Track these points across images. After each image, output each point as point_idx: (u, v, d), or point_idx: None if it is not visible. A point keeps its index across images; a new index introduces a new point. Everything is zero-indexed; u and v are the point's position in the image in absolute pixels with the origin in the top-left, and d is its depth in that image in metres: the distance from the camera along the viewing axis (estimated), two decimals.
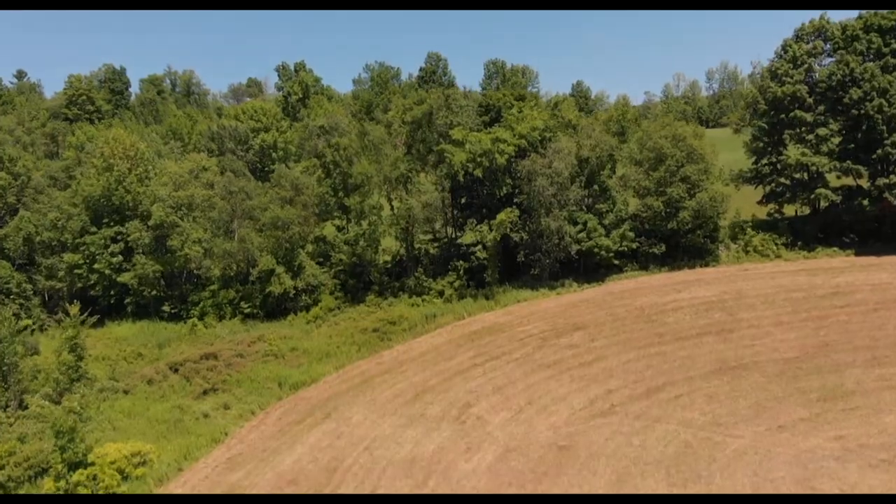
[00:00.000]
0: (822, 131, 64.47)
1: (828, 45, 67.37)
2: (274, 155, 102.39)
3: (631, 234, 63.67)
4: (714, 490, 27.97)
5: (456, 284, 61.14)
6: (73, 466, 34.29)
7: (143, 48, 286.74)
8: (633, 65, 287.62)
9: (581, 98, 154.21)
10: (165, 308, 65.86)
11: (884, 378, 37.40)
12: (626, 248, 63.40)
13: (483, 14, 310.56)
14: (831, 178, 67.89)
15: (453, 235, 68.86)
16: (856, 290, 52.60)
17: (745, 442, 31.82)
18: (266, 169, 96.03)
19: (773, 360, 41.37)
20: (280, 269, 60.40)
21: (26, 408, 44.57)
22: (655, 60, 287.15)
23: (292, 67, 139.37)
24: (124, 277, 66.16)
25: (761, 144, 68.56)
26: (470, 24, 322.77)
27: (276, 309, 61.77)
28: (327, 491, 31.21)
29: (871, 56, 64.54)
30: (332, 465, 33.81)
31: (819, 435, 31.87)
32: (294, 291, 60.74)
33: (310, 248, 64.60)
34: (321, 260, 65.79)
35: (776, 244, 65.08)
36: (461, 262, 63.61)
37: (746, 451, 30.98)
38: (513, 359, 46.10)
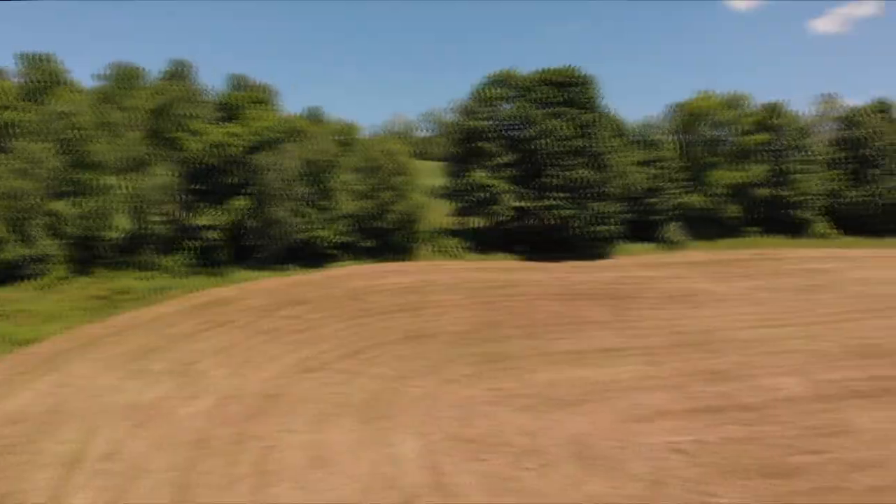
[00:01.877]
0: (501, 160, 72.16)
1: (511, 92, 75.61)
2: (13, 132, 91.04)
3: (347, 229, 66.46)
4: (397, 424, 30.66)
5: (187, 262, 59.42)
6: None
7: None
8: (365, 105, 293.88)
9: (314, 118, 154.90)
10: None
11: (532, 348, 42.74)
12: (343, 241, 66.02)
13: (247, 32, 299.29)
14: (508, 198, 75.99)
15: (187, 217, 66.75)
16: (518, 284, 59.58)
17: (422, 391, 35.02)
18: (4, 145, 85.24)
19: (450, 332, 45.73)
20: (11, 238, 54.62)
21: None
22: (382, 103, 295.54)
23: (39, 58, 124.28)
24: None
25: (454, 168, 75.02)
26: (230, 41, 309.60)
27: (6, 275, 55.64)
28: (49, 430, 29.42)
29: (543, 104, 73.54)
30: (55, 409, 31.78)
31: (479, 386, 35.89)
32: (25, 259, 55.23)
33: (43, 219, 59.06)
34: (53, 232, 60.34)
35: (463, 248, 71.53)
36: (194, 241, 62.05)
37: (422, 397, 34.12)
38: (236, 326, 46.02)
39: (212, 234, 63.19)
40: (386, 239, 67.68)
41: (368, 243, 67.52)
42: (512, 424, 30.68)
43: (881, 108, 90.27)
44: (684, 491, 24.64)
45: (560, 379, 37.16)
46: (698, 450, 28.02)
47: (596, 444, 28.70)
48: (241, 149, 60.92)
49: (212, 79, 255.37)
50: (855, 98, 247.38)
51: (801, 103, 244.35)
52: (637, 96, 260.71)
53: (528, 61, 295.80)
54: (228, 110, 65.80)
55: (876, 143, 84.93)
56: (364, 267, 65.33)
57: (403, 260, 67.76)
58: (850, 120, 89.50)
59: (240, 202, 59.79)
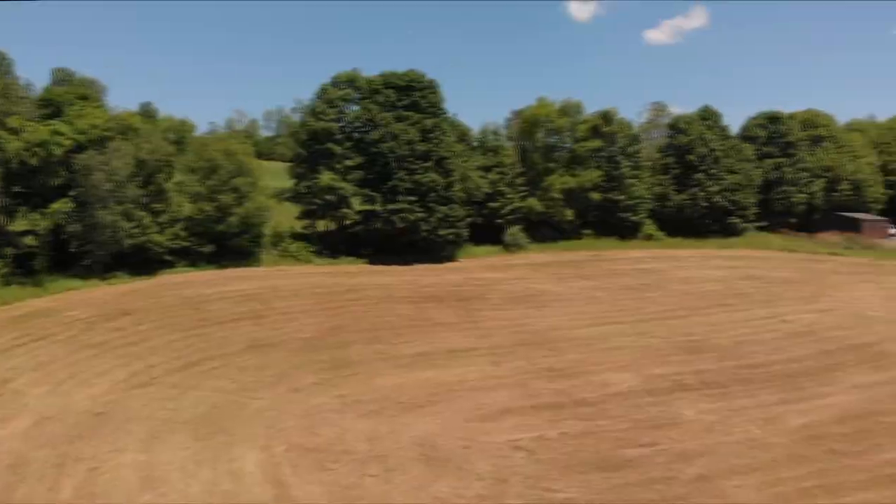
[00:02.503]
0: (348, 162, 71.65)
1: (357, 94, 75.31)
2: None
3: (184, 234, 63.30)
4: (237, 438, 29.52)
5: (2, 271, 54.15)
6: None
7: None
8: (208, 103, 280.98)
9: (147, 115, 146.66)
10: None
11: (379, 352, 42.77)
12: (178, 246, 62.78)
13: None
14: (356, 202, 75.67)
15: (4, 223, 60.81)
16: (366, 288, 59.36)
17: (265, 402, 34.02)
18: None
19: (295, 339, 44.77)
20: None
21: None
22: (221, 97, 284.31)
23: None
24: None
25: (300, 169, 73.64)
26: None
27: None
28: None
29: (388, 107, 73.82)
30: None
31: (325, 394, 35.39)
32: None
33: None
34: None
35: (308, 252, 70.28)
36: (9, 248, 56.61)
37: (265, 409, 33.14)
38: (58, 340, 42.34)
39: (30, 241, 57.90)
40: (227, 244, 65.10)
41: (208, 248, 64.65)
42: (358, 431, 30.51)
43: (704, 115, 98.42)
44: (525, 487, 25.57)
45: (407, 382, 37.45)
46: (539, 446, 29.20)
47: (442, 445, 29.15)
48: (65, 148, 56.33)
49: (34, 73, 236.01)
50: (686, 106, 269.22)
51: (635, 111, 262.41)
52: (485, 102, 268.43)
53: (388, 62, 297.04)
54: (52, 107, 60.57)
55: (699, 150, 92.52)
56: (203, 274, 62.47)
57: (246, 265, 65.46)
58: (677, 127, 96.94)
59: (61, 205, 55.27)
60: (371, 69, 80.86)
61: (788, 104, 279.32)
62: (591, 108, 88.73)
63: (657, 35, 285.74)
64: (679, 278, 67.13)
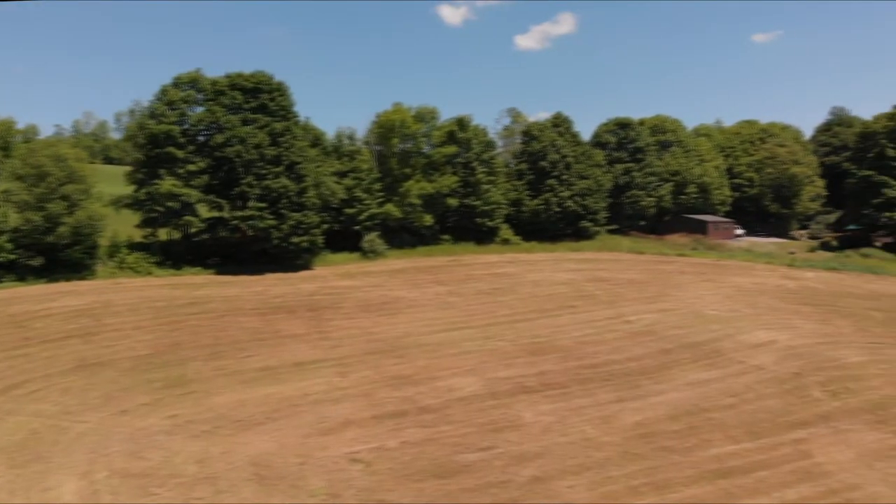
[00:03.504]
0: (192, 167, 69.11)
1: (200, 95, 72.84)
2: None
3: (10, 246, 59.21)
4: (55, 465, 27.86)
5: None
6: None
7: None
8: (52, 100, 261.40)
9: None
10: None
11: (219, 368, 41.69)
12: (4, 259, 58.60)
13: None
14: (202, 209, 73.15)
15: None
16: (210, 300, 57.53)
17: (90, 426, 32.32)
18: None
19: (128, 357, 42.76)
20: None
21: None
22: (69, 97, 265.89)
23: None
24: None
25: (140, 175, 70.36)
26: None
27: None
28: None
29: (235, 109, 71.94)
30: None
31: (156, 415, 34.07)
32: None
33: None
34: None
35: (149, 263, 67.15)
36: None
37: (88, 432, 31.49)
38: None
39: None
40: (58, 256, 61.15)
41: (37, 262, 60.58)
42: (188, 453, 29.62)
43: (556, 122, 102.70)
44: (359, 501, 25.75)
45: (248, 399, 36.75)
46: (377, 457, 29.50)
47: (277, 462, 28.83)
48: None
49: None
50: (549, 111, 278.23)
51: (495, 117, 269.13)
52: (359, 106, 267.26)
53: (256, 62, 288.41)
54: None
55: (551, 156, 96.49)
56: (29, 288, 58.39)
57: (80, 279, 61.70)
58: (530, 134, 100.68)
59: None
60: (239, 68, 77.55)
61: (650, 109, 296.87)
62: (462, 113, 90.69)
63: (527, 41, 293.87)
64: (531, 281, 69.70)
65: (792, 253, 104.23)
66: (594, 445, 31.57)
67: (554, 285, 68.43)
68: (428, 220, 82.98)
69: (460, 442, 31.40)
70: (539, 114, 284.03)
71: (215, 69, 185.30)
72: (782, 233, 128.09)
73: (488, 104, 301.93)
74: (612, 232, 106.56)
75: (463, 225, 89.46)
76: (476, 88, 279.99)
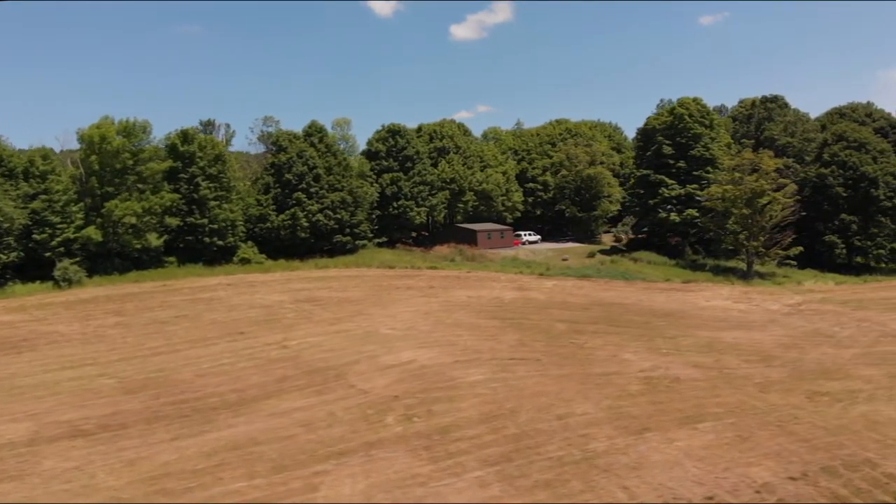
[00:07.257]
0: None
1: None
2: None
3: None
4: None
5: None
6: None
7: None
8: None
9: None
10: None
11: None
12: None
13: None
14: None
15: None
16: None
17: None
18: None
19: None
20: None
21: None
22: None
23: None
24: None
25: None
26: None
27: None
28: None
29: None
30: None
31: None
32: None
33: None
34: None
35: None
36: None
37: None
38: None
39: None
40: None
41: None
42: None
43: (310, 132, 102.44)
44: None
45: None
46: None
47: None
48: None
49: None
50: (488, 105, 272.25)
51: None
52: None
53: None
54: None
55: (298, 168, 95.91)
56: None
57: None
58: (278, 144, 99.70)
59: None
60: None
61: (595, 100, 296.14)
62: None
63: (463, 30, 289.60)
64: (229, 306, 68.85)
65: (565, 259, 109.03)
66: (90, 492, 30.84)
67: (251, 309, 67.88)
68: (137, 242, 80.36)
69: None
70: (479, 108, 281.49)
71: None
72: (590, 237, 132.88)
73: (427, 97, 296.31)
74: (381, 245, 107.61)
75: (192, 246, 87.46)
76: (411, 81, 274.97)
